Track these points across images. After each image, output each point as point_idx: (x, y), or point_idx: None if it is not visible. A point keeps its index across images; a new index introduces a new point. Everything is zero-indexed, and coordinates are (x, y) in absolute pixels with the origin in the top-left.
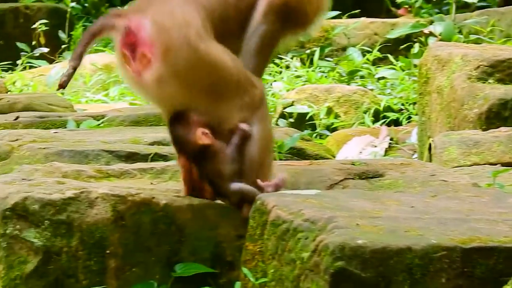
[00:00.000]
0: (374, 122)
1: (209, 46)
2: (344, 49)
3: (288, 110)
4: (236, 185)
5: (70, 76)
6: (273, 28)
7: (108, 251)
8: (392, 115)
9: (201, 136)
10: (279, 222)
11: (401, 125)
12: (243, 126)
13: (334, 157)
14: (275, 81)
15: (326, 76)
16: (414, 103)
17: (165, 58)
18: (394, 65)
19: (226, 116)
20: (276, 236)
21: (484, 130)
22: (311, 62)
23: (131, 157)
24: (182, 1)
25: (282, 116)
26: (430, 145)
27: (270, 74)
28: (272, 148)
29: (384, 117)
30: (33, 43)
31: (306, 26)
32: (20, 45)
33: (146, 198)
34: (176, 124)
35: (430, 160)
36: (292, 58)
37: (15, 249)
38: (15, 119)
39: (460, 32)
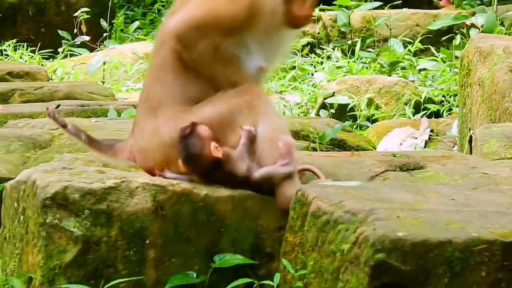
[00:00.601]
0: (414, 113)
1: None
2: (385, 40)
3: (329, 100)
4: (257, 173)
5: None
6: (203, 47)
7: (147, 241)
8: (433, 107)
9: (215, 150)
10: (320, 214)
11: (442, 117)
12: (247, 127)
13: (375, 148)
14: (316, 71)
15: (367, 67)
16: (455, 95)
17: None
18: (435, 56)
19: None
20: (316, 227)
21: None
22: (353, 53)
23: None
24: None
25: (323, 106)
26: (470, 137)
27: (312, 64)
28: (281, 137)
29: (425, 108)
30: (75, 31)
31: (242, 32)
32: (62, 33)
33: (187, 188)
34: (187, 143)
35: (471, 153)
36: (333, 49)
37: (54, 238)
38: (56, 107)
39: (502, 24)
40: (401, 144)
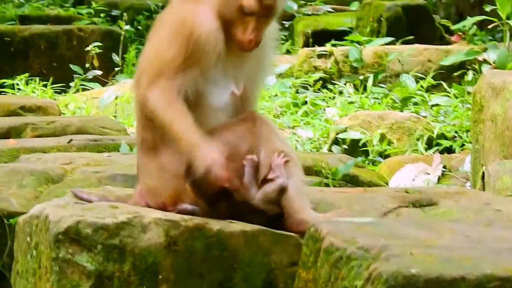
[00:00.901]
0: (427, 149)
1: None
2: (397, 75)
3: (341, 136)
4: (256, 198)
5: None
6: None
7: (160, 277)
8: (446, 143)
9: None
10: (333, 250)
11: (455, 152)
12: (249, 157)
13: (387, 184)
14: (328, 106)
15: (379, 103)
16: (468, 131)
17: None
18: (447, 92)
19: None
20: (329, 263)
21: None
22: (365, 88)
23: None
24: None
25: (336, 142)
26: (483, 173)
27: (324, 99)
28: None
29: (437, 144)
30: (86, 65)
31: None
32: (73, 67)
33: (199, 223)
34: (193, 170)
35: (484, 189)
36: (345, 84)
37: (67, 273)
38: (68, 142)
39: None
40: (413, 180)
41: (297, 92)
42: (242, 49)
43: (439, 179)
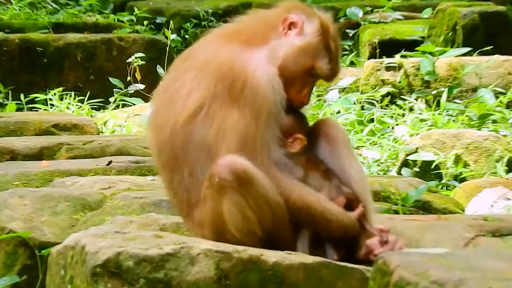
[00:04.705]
0: (508, 171)
1: None
2: (474, 90)
3: (411, 157)
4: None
5: None
6: None
7: None
8: None
9: None
10: (403, 284)
11: None
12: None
13: (463, 211)
14: (397, 124)
15: (454, 120)
16: None
17: None
18: None
19: None
20: None
21: None
22: (438, 104)
23: None
24: None
25: (405, 164)
26: None
27: (392, 117)
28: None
29: None
30: (128, 78)
31: None
32: (113, 80)
33: (254, 255)
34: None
35: None
36: (416, 100)
37: None
38: (108, 164)
39: None
40: (492, 206)
41: (362, 108)
42: (290, 108)
43: None
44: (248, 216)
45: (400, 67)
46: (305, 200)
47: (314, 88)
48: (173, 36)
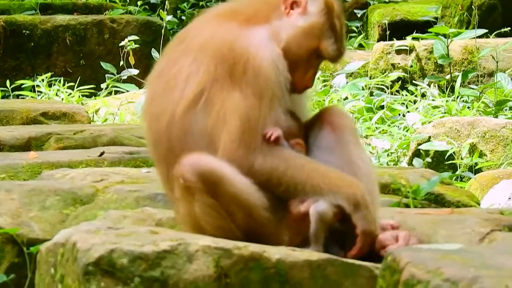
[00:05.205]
0: None
1: None
2: (491, 74)
3: (423, 147)
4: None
5: None
6: None
7: None
8: None
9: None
10: (414, 282)
11: None
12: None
13: (479, 204)
14: (408, 112)
15: (469, 107)
16: None
17: None
18: None
19: None
20: None
21: None
22: (452, 90)
23: None
24: None
25: (417, 154)
26: None
27: (403, 103)
28: None
29: None
30: (121, 63)
31: None
32: (105, 65)
33: (256, 252)
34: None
35: None
36: (429, 85)
37: None
38: (100, 155)
39: None
40: (509, 198)
41: (371, 94)
42: (293, 91)
43: None
44: (222, 215)
45: (411, 50)
46: (317, 171)
47: (319, 71)
48: (169, 18)
